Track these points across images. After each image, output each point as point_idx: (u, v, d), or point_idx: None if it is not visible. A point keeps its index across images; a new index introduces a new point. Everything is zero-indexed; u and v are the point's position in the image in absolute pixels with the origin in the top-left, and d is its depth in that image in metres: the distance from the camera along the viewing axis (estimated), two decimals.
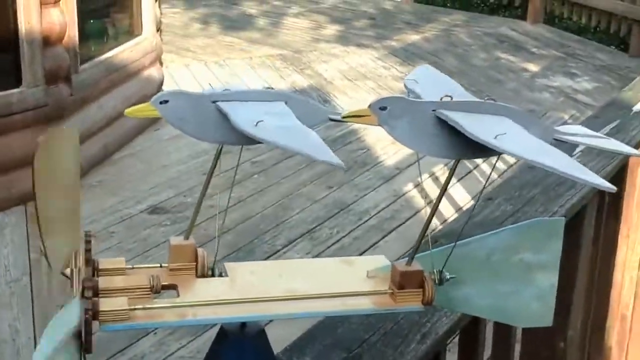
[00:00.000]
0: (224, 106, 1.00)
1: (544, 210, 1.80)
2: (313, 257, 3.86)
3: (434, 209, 1.05)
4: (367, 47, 8.46)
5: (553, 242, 1.08)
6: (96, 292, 0.93)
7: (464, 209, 4.19)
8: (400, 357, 1.24)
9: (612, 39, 8.97)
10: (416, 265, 1.01)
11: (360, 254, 3.93)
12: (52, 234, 0.93)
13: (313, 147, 0.95)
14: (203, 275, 1.03)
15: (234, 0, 10.43)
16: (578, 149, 2.19)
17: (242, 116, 0.98)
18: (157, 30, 6.10)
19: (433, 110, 0.98)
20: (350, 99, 6.63)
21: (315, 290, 1.01)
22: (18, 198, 4.42)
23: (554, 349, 1.95)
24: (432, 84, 1.11)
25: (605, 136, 1.15)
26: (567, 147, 2.25)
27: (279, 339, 1.15)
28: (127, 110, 1.01)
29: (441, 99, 1.00)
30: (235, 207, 4.36)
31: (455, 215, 4.24)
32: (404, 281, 1.00)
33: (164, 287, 0.99)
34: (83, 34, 5.00)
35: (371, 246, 4.13)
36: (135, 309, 0.92)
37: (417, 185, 4.93)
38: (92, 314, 0.89)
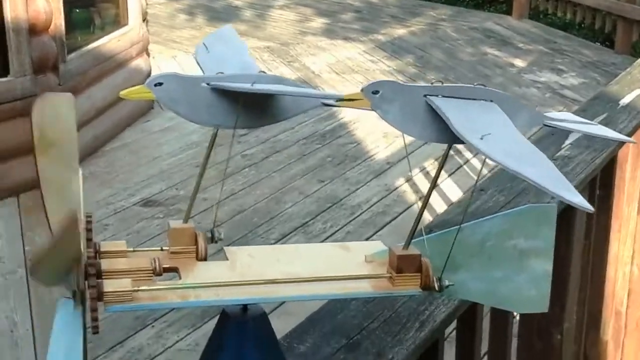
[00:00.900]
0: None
1: (536, 202, 1.81)
2: None
3: (430, 191, 1.06)
4: (354, 40, 8.47)
5: (546, 228, 1.09)
6: (99, 274, 0.94)
7: (454, 203, 4.21)
8: (400, 344, 1.25)
9: (597, 35, 9.01)
10: (413, 249, 1.03)
11: None
12: (53, 199, 0.94)
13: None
14: (203, 259, 1.04)
15: None
16: (567, 141, 2.21)
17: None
18: (143, 21, 6.09)
19: (424, 95, 0.99)
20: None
21: (314, 274, 1.02)
22: (10, 189, 4.41)
23: (550, 341, 1.97)
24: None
25: (593, 122, 1.17)
26: (557, 137, 2.27)
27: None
28: (122, 92, 1.02)
29: (432, 84, 1.01)
30: (227, 201, 4.37)
31: (441, 212, 4.26)
32: (402, 265, 1.01)
33: (166, 270, 1.00)
34: (69, 23, 4.99)
35: (364, 241, 4.15)
36: (139, 290, 0.93)
37: (409, 179, 4.95)
38: (97, 295, 0.90)
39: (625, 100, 2.52)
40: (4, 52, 4.43)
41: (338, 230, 4.25)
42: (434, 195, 4.66)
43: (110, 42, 5.50)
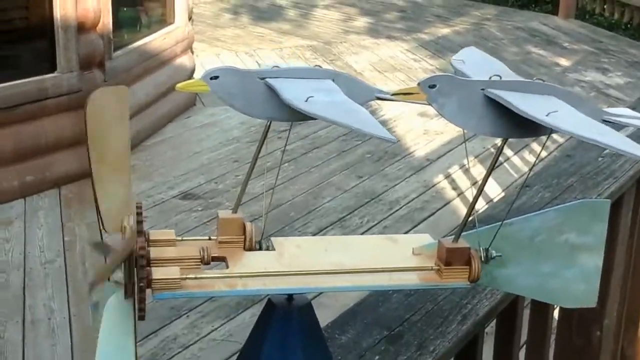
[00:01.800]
0: (274, 82, 1.01)
1: (582, 198, 1.79)
2: None
3: (482, 186, 1.05)
4: (397, 39, 8.44)
5: (598, 223, 1.08)
6: (148, 262, 0.95)
7: (495, 200, 4.18)
8: (442, 336, 1.25)
9: None
10: (463, 243, 1.02)
11: None
12: (105, 193, 0.95)
13: (363, 122, 0.95)
14: (251, 249, 1.05)
15: None
16: None
17: (292, 92, 0.99)
18: (189, 20, 6.14)
19: (482, 89, 0.98)
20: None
21: (361, 265, 1.01)
22: (52, 181, 4.49)
23: (589, 338, 1.94)
24: (479, 64, 1.11)
25: None
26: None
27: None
28: (178, 85, 1.03)
29: (490, 78, 1.00)
30: (266, 194, 4.39)
31: (486, 207, 4.23)
32: (450, 258, 1.00)
33: (214, 259, 1.01)
34: (117, 22, 5.06)
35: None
36: (187, 278, 0.94)
37: (448, 176, 4.92)
38: (146, 282, 0.91)
39: None
40: (52, 49, 4.51)
41: (375, 225, 4.24)
42: (472, 192, 4.62)
43: (155, 40, 5.56)
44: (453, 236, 1.03)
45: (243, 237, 1.05)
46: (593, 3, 9.33)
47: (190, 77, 5.94)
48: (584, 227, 1.07)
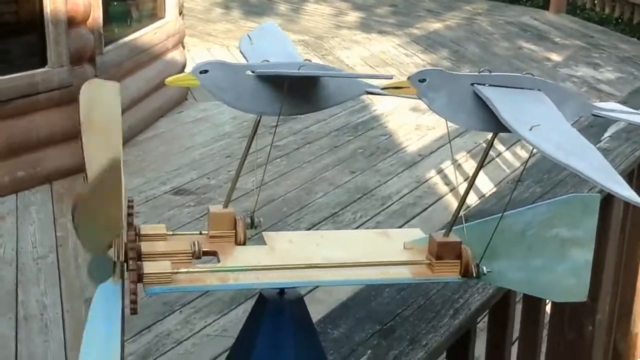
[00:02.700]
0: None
1: (573, 193, 1.80)
2: None
3: (473, 179, 1.05)
4: (389, 34, 8.44)
5: (588, 218, 1.08)
6: (139, 256, 0.95)
7: (487, 195, 4.19)
8: (434, 331, 1.25)
9: (635, 30, 8.89)
10: (454, 237, 1.02)
11: None
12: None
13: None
14: (242, 243, 1.05)
15: None
16: (607, 134, 2.19)
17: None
18: (180, 14, 6.13)
19: (471, 84, 0.98)
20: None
21: (353, 259, 1.01)
22: (44, 177, 4.47)
23: (581, 332, 1.95)
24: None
25: None
26: (597, 129, 2.24)
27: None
28: (167, 79, 1.02)
29: (480, 72, 1.00)
30: (257, 190, 4.39)
31: (478, 202, 4.24)
32: (442, 252, 1.00)
33: (205, 253, 1.01)
34: (107, 16, 5.04)
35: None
36: (178, 272, 0.94)
37: (440, 172, 4.93)
38: (137, 276, 0.90)
39: None
40: (42, 44, 4.49)
41: (368, 220, 4.24)
42: (462, 188, 4.63)
43: (146, 34, 5.54)
44: (444, 230, 1.03)
45: (234, 231, 1.05)
46: None
47: (181, 71, 5.92)
48: (574, 221, 1.07)
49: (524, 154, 5.13)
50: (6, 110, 4.34)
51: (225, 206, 1.07)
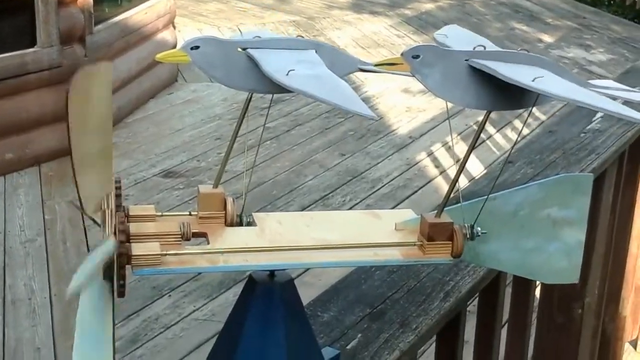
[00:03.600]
0: (255, 53, 0.98)
1: (565, 173, 1.79)
2: None
3: (466, 158, 1.04)
4: (381, 14, 8.40)
5: (580, 198, 1.07)
6: (128, 237, 0.94)
7: (477, 177, 4.19)
8: (424, 313, 1.25)
9: (627, 11, 8.87)
10: (445, 217, 1.01)
11: None
12: (84, 175, 0.93)
13: (343, 97, 0.93)
14: (232, 224, 1.03)
15: None
16: (598, 114, 2.18)
17: (274, 64, 0.97)
18: None
19: (466, 60, 0.97)
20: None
21: (343, 241, 1.00)
22: (32, 158, 4.44)
23: (571, 315, 1.95)
24: (462, 38, 1.10)
25: (637, 89, 1.14)
26: (589, 109, 2.24)
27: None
28: (158, 55, 1.00)
29: (474, 48, 0.99)
30: (247, 173, 4.37)
31: (468, 184, 4.24)
32: (433, 233, 0.99)
33: (194, 235, 1.00)
34: None
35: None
36: (167, 254, 0.93)
37: (430, 154, 4.92)
38: (125, 258, 0.89)
39: None
40: (31, 23, 4.44)
41: (358, 203, 4.24)
42: (455, 169, 4.62)
43: (137, 14, 5.49)
44: (435, 211, 1.02)
45: (224, 212, 1.04)
46: None
47: None
48: (566, 201, 1.06)
49: (514, 136, 5.13)
50: None
51: (215, 187, 1.06)
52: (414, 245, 1.01)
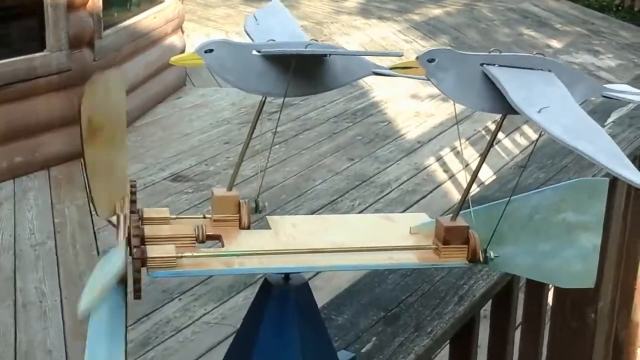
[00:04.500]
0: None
1: (577, 178, 1.78)
2: None
3: (481, 163, 1.03)
4: (389, 20, 8.40)
5: (596, 202, 1.07)
6: (143, 240, 0.94)
7: (486, 183, 4.18)
8: (438, 317, 1.24)
9: (636, 17, 8.86)
10: (461, 221, 1.01)
11: None
12: (98, 180, 0.93)
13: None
14: (246, 227, 1.03)
15: None
16: (610, 119, 2.17)
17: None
18: None
19: (481, 64, 0.97)
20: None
21: (358, 244, 1.00)
22: (42, 162, 4.45)
23: (584, 320, 1.94)
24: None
25: None
26: (600, 114, 2.23)
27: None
28: (172, 59, 1.00)
29: (489, 52, 0.99)
30: (257, 177, 4.37)
31: (478, 190, 4.23)
32: (449, 236, 0.99)
33: (209, 237, 0.99)
34: (106, 0, 5.00)
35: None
36: (182, 256, 0.92)
37: (439, 159, 4.91)
38: (140, 261, 0.89)
39: None
40: (41, 27, 4.46)
41: (366, 208, 4.23)
42: (465, 173, 4.62)
43: (146, 19, 5.51)
44: (451, 215, 1.02)
45: (238, 215, 1.03)
46: None
47: None
48: (582, 205, 1.06)
49: (523, 141, 5.12)
50: (4, 94, 4.31)
51: (229, 189, 1.06)
52: (430, 248, 1.00)
